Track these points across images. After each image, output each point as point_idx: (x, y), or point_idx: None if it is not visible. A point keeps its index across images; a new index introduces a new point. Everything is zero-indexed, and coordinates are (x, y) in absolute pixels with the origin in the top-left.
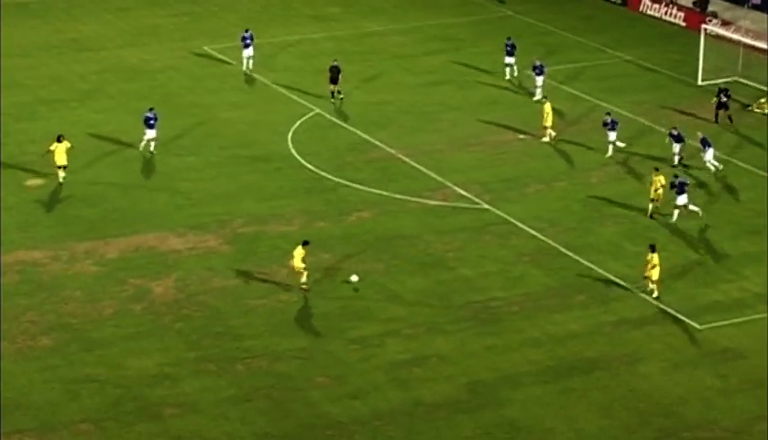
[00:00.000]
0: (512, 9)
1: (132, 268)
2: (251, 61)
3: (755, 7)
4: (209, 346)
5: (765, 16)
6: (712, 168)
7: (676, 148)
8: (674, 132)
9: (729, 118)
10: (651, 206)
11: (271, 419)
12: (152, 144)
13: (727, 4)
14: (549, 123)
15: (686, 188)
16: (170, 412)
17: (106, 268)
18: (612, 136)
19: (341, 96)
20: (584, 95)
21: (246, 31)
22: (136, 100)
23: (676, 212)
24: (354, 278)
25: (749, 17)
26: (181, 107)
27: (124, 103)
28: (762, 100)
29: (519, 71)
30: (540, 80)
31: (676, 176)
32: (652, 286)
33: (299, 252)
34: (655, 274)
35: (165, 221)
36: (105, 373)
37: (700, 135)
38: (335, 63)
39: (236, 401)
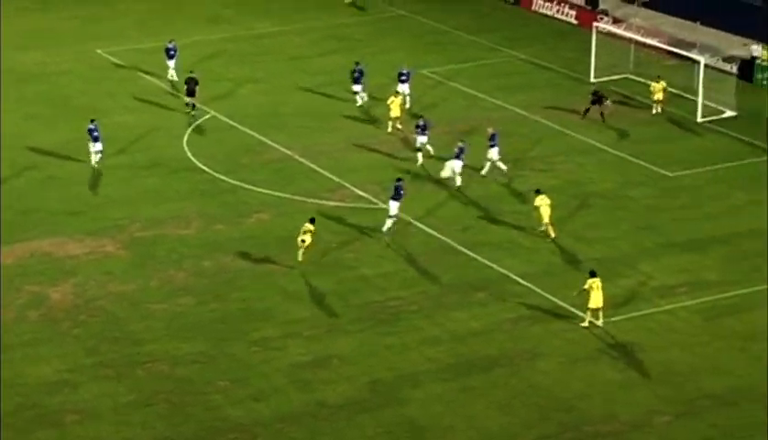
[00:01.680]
0: (406, 9)
1: (28, 274)
2: (174, 73)
3: (645, 5)
4: (108, 351)
5: (655, 13)
6: (489, 166)
7: (422, 139)
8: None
9: (602, 115)
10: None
11: (172, 423)
12: (98, 156)
13: (617, 1)
14: (395, 114)
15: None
16: (70, 418)
17: (2, 274)
18: (422, 140)
19: (193, 112)
20: (480, 94)
21: (171, 42)
22: (30, 104)
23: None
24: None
25: (639, 15)
26: (77, 110)
27: (19, 106)
28: (655, 84)
29: (368, 97)
30: (405, 87)
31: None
32: (591, 318)
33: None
34: (597, 301)
35: (62, 226)
36: (3, 381)
37: (490, 130)
38: (193, 75)
39: (137, 406)
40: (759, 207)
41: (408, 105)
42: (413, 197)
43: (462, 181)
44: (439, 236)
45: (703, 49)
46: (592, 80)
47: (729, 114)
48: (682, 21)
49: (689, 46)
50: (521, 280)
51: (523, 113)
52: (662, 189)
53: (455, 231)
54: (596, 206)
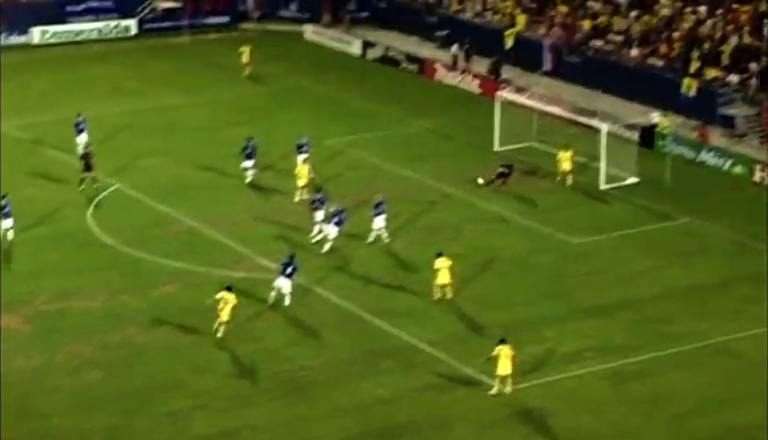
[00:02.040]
0: (310, 80)
1: None
2: (84, 146)
3: (547, 74)
4: (12, 427)
5: (557, 82)
6: (374, 236)
7: (320, 215)
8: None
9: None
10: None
11: None
12: (10, 233)
13: (519, 71)
14: (303, 183)
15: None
16: None
17: None
18: (320, 216)
19: (96, 185)
20: (385, 164)
21: (79, 117)
22: None
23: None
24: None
25: (541, 84)
26: None
27: None
28: (563, 153)
29: (256, 173)
30: (302, 158)
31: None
32: (499, 386)
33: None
34: (505, 368)
35: None
36: None
37: (378, 197)
38: (89, 149)
39: None
40: (661, 272)
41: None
42: (319, 266)
43: (361, 248)
44: (346, 304)
45: (604, 117)
46: (496, 149)
47: (631, 180)
48: (583, 89)
49: (591, 114)
50: (427, 348)
51: (430, 182)
52: (567, 255)
53: (362, 299)
54: (502, 273)
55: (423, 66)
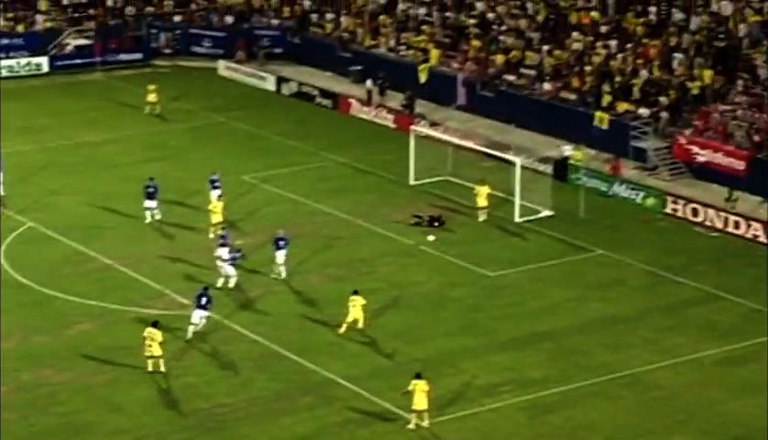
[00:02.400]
0: (225, 115)
1: None
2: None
3: (460, 108)
4: None
5: (470, 116)
6: (277, 274)
7: (223, 252)
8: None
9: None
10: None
11: None
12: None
13: (433, 105)
14: (217, 220)
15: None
16: None
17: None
18: (223, 253)
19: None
20: (301, 199)
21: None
22: None
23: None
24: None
25: (455, 118)
26: None
27: None
28: (480, 188)
29: (159, 214)
30: (215, 194)
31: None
32: (416, 420)
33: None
34: (420, 403)
35: None
36: None
37: (280, 233)
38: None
39: None
40: (577, 304)
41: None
42: (234, 302)
43: (278, 285)
44: (264, 341)
45: (518, 151)
46: (411, 182)
47: (545, 213)
48: (497, 123)
49: (505, 148)
50: (346, 383)
51: (345, 216)
52: (483, 288)
53: (279, 336)
54: (419, 307)
55: (338, 101)
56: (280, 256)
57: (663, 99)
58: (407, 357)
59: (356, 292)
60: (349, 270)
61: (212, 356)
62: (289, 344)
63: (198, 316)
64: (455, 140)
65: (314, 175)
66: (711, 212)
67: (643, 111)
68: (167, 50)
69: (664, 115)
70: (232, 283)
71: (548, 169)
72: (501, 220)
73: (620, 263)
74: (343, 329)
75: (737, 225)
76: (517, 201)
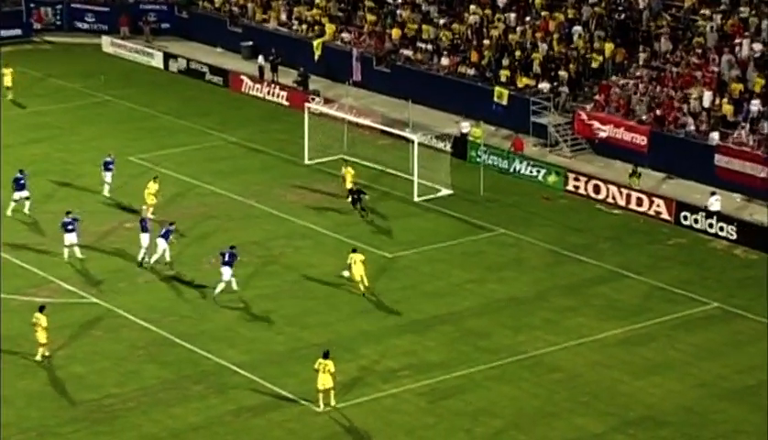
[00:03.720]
0: (111, 94)
1: None
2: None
3: (356, 85)
4: None
5: (366, 92)
6: (224, 286)
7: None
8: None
9: (362, 210)
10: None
11: None
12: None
13: (328, 82)
14: (151, 201)
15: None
16: None
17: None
18: (71, 238)
19: None
20: (192, 180)
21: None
22: None
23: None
24: (345, 274)
25: (350, 94)
26: None
27: None
28: (345, 170)
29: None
30: (109, 176)
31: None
32: (324, 400)
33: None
34: (324, 382)
35: None
36: None
37: (226, 251)
38: None
39: None
40: (478, 285)
41: (107, 194)
42: (126, 289)
43: (172, 269)
44: (154, 328)
45: (416, 128)
46: (306, 162)
47: (444, 192)
48: (393, 100)
49: (402, 125)
50: (240, 371)
51: (238, 198)
52: (381, 270)
53: (171, 323)
54: (315, 291)
55: (229, 78)
56: (161, 242)
57: (563, 73)
58: (303, 342)
59: (354, 251)
60: (242, 254)
61: (99, 344)
62: (180, 331)
63: (228, 273)
64: (351, 118)
65: (205, 155)
66: (613, 188)
67: (544, 86)
68: (46, 26)
69: (565, 89)
70: (168, 256)
71: (447, 146)
72: (400, 199)
73: (521, 242)
74: (363, 289)
75: (639, 202)
76: (415, 180)
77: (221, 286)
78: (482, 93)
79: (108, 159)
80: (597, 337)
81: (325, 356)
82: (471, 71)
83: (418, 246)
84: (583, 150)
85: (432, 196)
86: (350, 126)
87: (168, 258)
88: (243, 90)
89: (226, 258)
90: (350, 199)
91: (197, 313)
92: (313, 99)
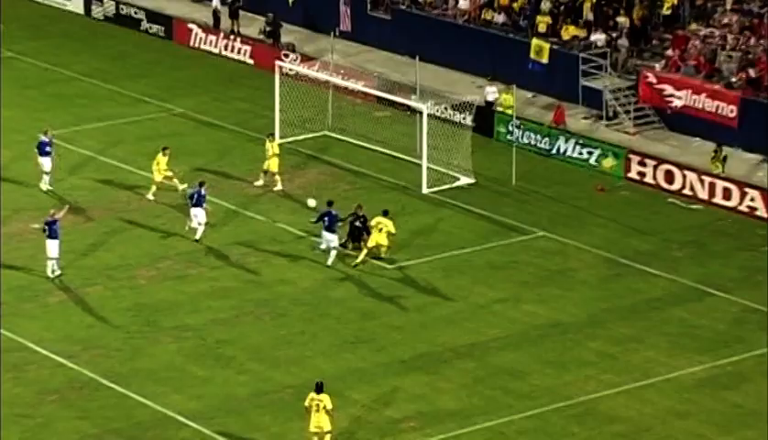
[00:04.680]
0: (15, 49)
1: None
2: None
3: (344, 36)
4: None
5: (359, 46)
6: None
7: None
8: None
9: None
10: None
11: None
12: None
13: (307, 32)
14: (159, 179)
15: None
16: None
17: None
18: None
19: None
20: (121, 164)
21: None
22: None
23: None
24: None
25: (337, 50)
26: None
27: None
28: (269, 143)
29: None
30: (47, 162)
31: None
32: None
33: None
34: (323, 423)
35: None
36: None
37: (195, 192)
38: None
39: None
40: (509, 307)
41: (47, 186)
42: (36, 313)
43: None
44: (72, 365)
45: (425, 95)
46: (277, 140)
47: (464, 181)
48: (395, 57)
49: (407, 90)
50: (189, 423)
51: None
52: (379, 286)
53: (95, 357)
54: (289, 315)
55: (172, 28)
56: (200, 214)
57: (623, 20)
58: (273, 384)
59: (385, 213)
60: (189, 264)
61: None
62: (107, 369)
63: (333, 238)
64: (338, 81)
65: (140, 131)
66: (692, 176)
67: (597, 38)
68: None
69: (625, 42)
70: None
71: (467, 119)
72: (403, 191)
73: (567, 249)
74: (360, 257)
75: (727, 194)
76: (424, 164)
77: (199, 230)
78: (515, 48)
79: (45, 140)
80: (670, 377)
81: (318, 389)
82: (500, 18)
83: (428, 253)
84: (650, 124)
85: (447, 186)
86: (337, 93)
87: (201, 228)
88: (192, 43)
89: (194, 201)
90: (350, 227)
91: (130, 344)
92: (287, 55)
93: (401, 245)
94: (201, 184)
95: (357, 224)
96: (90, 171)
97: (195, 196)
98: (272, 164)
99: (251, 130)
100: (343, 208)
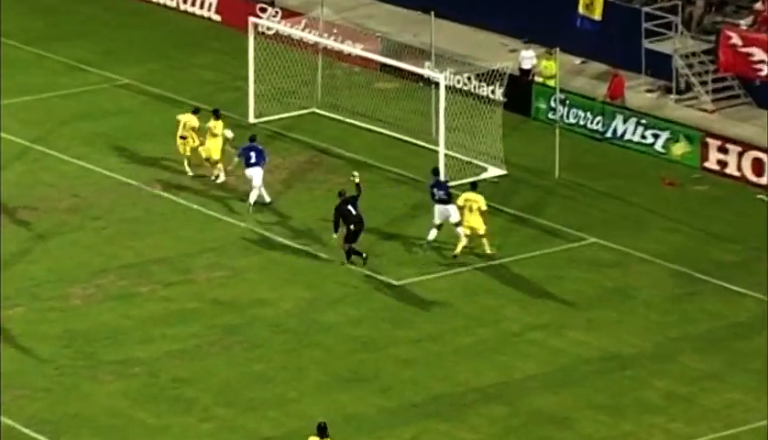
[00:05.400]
0: None
1: None
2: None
3: None
4: None
5: None
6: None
7: None
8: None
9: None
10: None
11: None
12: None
13: None
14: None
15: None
16: None
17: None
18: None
19: None
20: (51, 151)
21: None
22: None
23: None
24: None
25: (329, 2)
26: None
27: None
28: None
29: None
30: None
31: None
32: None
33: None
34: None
35: None
36: None
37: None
38: None
39: None
40: (550, 334)
41: None
42: None
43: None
44: None
45: (442, 61)
46: (251, 120)
47: (492, 172)
48: (403, 11)
49: (418, 55)
50: None
51: (129, 181)
52: (383, 307)
53: (17, 400)
54: (267, 345)
55: None
56: (257, 174)
57: None
58: (246, 433)
59: (473, 186)
60: (139, 279)
61: None
62: (32, 415)
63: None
64: (330, 42)
65: (76, 107)
66: None
67: None
68: None
69: None
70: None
71: (497, 93)
72: (414, 185)
73: (627, 259)
74: (459, 248)
75: None
76: (441, 151)
77: (253, 195)
78: (558, 1)
79: None
80: (759, 425)
81: (321, 432)
82: None
83: (445, 265)
84: (734, 99)
85: (473, 179)
86: (328, 58)
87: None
88: None
89: (253, 159)
90: (347, 246)
91: (61, 382)
92: (264, 10)
93: (413, 256)
94: (252, 139)
95: (349, 207)
96: (10, 159)
97: (254, 154)
98: (213, 148)
99: (217, 104)
100: (329, 205)
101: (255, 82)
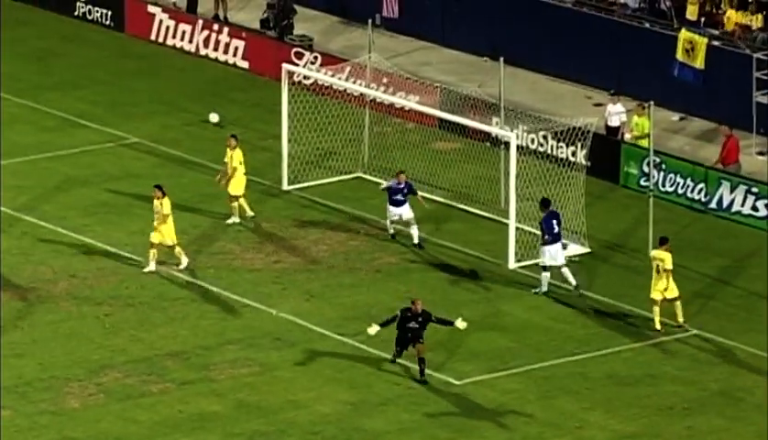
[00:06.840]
0: None
1: None
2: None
3: (388, 26)
4: None
5: (409, 41)
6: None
7: None
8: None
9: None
10: None
11: None
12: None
13: (333, 20)
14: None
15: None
16: None
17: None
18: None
19: None
20: (45, 223)
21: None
22: None
23: None
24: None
25: (378, 45)
26: None
27: None
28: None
29: None
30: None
31: None
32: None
33: None
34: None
35: None
36: None
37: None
38: None
39: None
40: None
41: None
42: None
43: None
44: None
45: (512, 116)
46: (285, 186)
47: (574, 250)
48: (464, 56)
49: (484, 109)
50: None
51: (139, 259)
52: (443, 412)
53: None
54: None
55: (124, 12)
56: (405, 211)
57: None
58: None
59: (663, 241)
60: (149, 377)
61: None
62: None
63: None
64: (378, 94)
65: (74, 171)
66: None
67: None
68: None
69: None
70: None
71: (578, 155)
72: (479, 265)
73: (735, 357)
74: (657, 320)
75: None
76: (512, 225)
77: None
78: (652, 43)
79: None
80: None
81: None
82: (630, 0)
83: (515, 361)
84: None
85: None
86: (377, 113)
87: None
88: (153, 36)
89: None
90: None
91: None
92: (300, 55)
93: (476, 348)
94: (400, 174)
95: (413, 324)
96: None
97: (402, 188)
98: (236, 184)
99: (249, 168)
100: (386, 302)
101: (289, 141)
